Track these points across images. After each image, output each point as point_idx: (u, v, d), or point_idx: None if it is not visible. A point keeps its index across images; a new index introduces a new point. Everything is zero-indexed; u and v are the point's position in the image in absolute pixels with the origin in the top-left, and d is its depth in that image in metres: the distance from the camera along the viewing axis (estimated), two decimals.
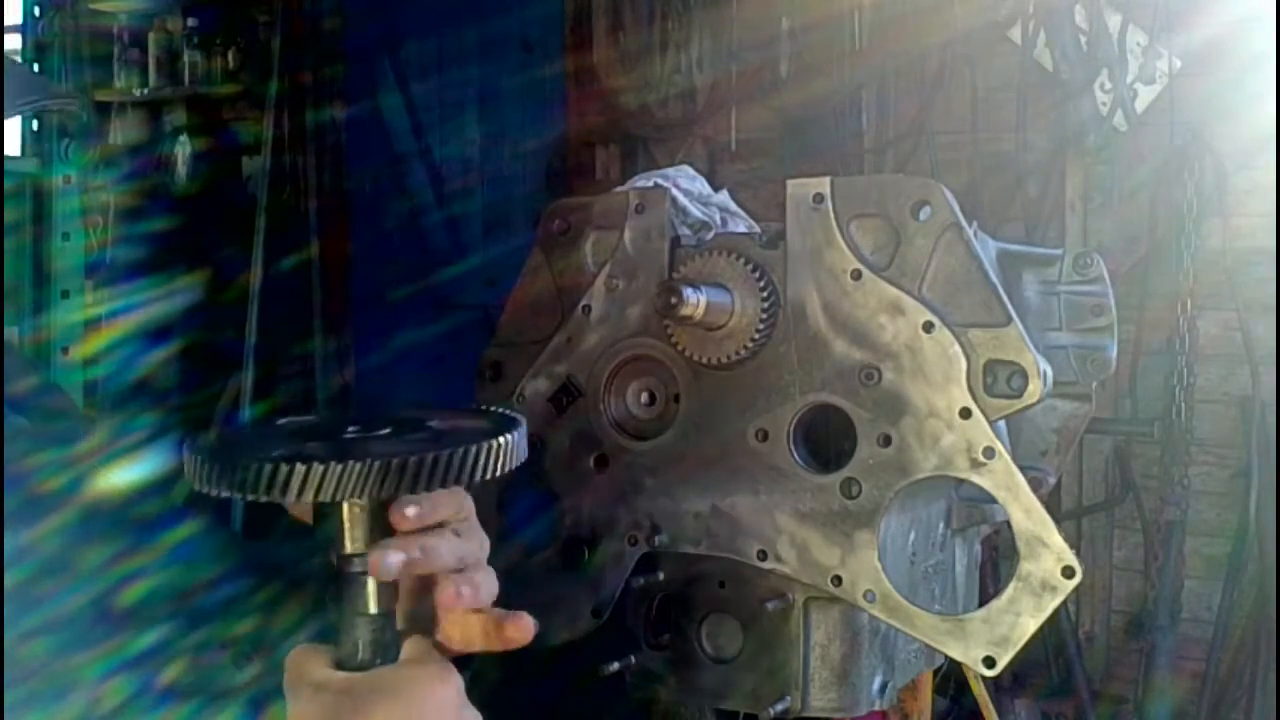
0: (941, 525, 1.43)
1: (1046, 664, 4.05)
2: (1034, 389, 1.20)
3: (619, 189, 1.42)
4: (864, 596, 1.23)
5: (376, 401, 5.35)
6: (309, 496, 0.89)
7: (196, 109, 5.81)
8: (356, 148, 5.62)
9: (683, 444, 1.32)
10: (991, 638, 1.20)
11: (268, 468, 0.89)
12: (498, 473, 0.94)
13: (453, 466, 0.91)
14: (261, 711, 1.16)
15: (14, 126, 3.61)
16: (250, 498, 0.90)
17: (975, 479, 1.20)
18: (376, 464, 0.89)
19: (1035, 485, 1.22)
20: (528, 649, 1.39)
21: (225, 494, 0.92)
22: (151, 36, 5.78)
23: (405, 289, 5.41)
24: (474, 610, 1.02)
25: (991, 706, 2.96)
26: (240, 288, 5.30)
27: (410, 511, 0.96)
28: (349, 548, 0.96)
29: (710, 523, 1.30)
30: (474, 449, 0.92)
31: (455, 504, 1.02)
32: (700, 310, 1.22)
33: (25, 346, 3.50)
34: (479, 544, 1.04)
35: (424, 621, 1.03)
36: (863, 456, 1.24)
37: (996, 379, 1.21)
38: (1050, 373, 1.24)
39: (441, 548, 1.00)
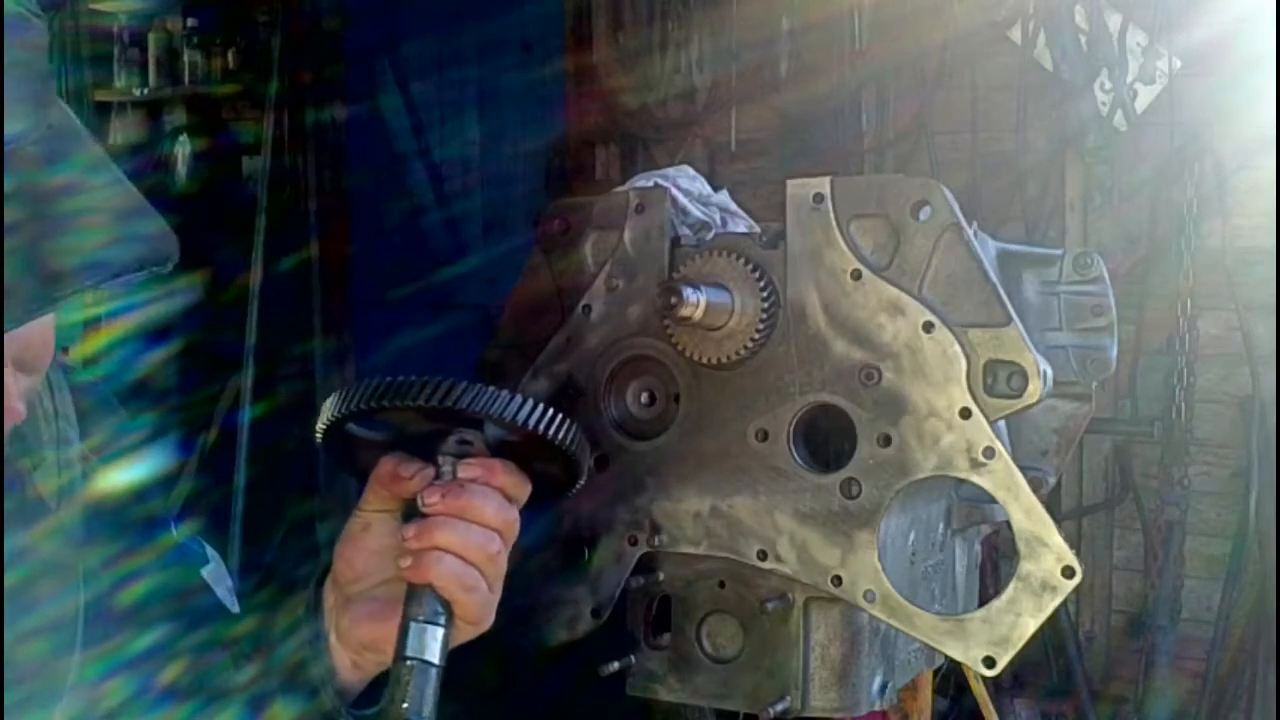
0: (941, 525, 1.43)
1: (1046, 664, 4.05)
2: (1034, 389, 1.20)
3: (619, 189, 1.42)
4: (864, 596, 1.23)
5: None
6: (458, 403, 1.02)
7: (196, 109, 5.82)
8: (356, 148, 5.62)
9: (683, 444, 1.32)
10: (991, 638, 1.20)
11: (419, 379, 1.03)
12: (571, 440, 1.08)
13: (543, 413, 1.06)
14: (261, 711, 1.16)
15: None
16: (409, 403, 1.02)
17: (975, 479, 1.20)
18: (495, 388, 1.03)
19: (1035, 485, 1.22)
20: (528, 649, 1.39)
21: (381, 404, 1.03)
22: (151, 36, 5.78)
23: (405, 289, 5.41)
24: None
25: (991, 706, 2.96)
26: (240, 288, 5.30)
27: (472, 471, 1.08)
28: None
29: (710, 523, 1.30)
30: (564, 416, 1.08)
31: (516, 481, 1.10)
32: (700, 310, 1.22)
33: None
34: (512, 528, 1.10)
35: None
36: (863, 456, 1.24)
37: (996, 379, 1.21)
38: (1050, 373, 1.24)
39: (490, 504, 1.07)
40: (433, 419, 1.06)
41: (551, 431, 1.05)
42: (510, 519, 1.09)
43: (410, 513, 1.09)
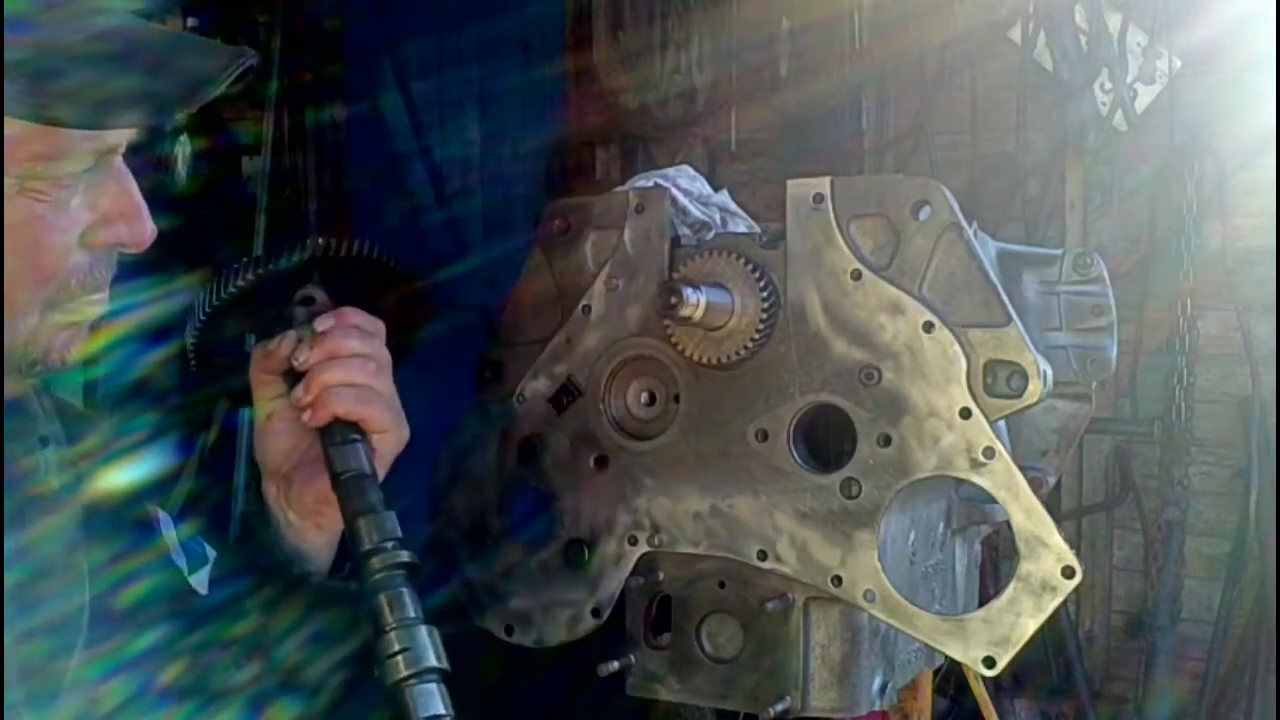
0: (941, 525, 1.43)
1: (1046, 664, 4.05)
2: (1034, 389, 1.20)
3: (619, 189, 1.42)
4: (864, 596, 1.23)
5: None
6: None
7: (196, 109, 5.80)
8: (356, 148, 5.62)
9: (683, 444, 1.32)
10: (991, 638, 1.20)
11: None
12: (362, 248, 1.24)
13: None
14: (261, 711, 1.16)
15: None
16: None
17: (975, 479, 1.20)
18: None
19: (1035, 485, 1.22)
20: (528, 649, 1.39)
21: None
22: None
23: None
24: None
25: (991, 706, 2.96)
26: None
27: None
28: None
29: (710, 523, 1.30)
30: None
31: (365, 318, 1.22)
32: (700, 310, 1.22)
33: None
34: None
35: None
36: (863, 456, 1.24)
37: (996, 379, 1.21)
38: (1050, 373, 1.24)
39: (352, 338, 1.20)
40: (263, 302, 1.21)
41: (346, 250, 1.22)
42: (376, 347, 1.22)
43: (293, 380, 1.21)
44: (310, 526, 1.26)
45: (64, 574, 1.09)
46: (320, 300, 1.24)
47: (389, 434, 1.22)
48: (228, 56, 1.03)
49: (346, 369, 1.19)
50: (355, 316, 1.23)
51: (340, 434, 1.19)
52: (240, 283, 1.19)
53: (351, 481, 1.16)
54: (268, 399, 1.25)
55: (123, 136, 1.05)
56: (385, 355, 1.23)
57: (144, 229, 1.07)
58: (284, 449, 1.26)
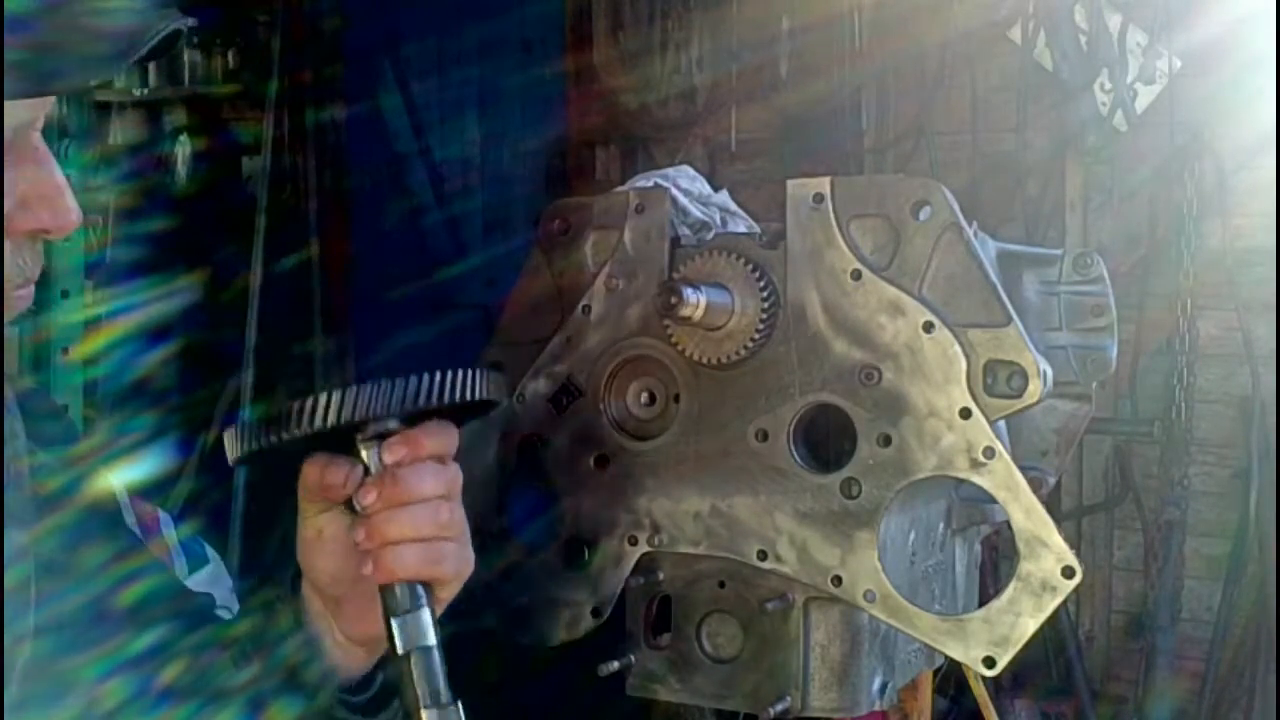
0: (941, 525, 1.44)
1: (1046, 664, 4.05)
2: (1034, 389, 1.20)
3: (619, 189, 1.42)
4: (864, 596, 1.23)
5: None
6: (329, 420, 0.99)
7: (196, 109, 5.80)
8: (356, 148, 5.61)
9: (683, 444, 1.32)
10: (991, 638, 1.20)
11: (292, 404, 1.00)
12: (469, 395, 1.04)
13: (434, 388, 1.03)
14: (261, 711, 1.16)
15: None
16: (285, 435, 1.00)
17: (975, 479, 1.21)
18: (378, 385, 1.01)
19: (1035, 485, 1.22)
20: (528, 649, 1.39)
21: (266, 442, 1.02)
22: None
23: (405, 289, 5.41)
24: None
25: (991, 706, 2.96)
26: (240, 288, 5.29)
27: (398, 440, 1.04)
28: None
29: (710, 523, 1.30)
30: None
31: (443, 441, 1.07)
32: (700, 310, 1.22)
33: (25, 346, 3.49)
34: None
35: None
36: (863, 456, 1.24)
37: (996, 379, 1.21)
38: (1050, 373, 1.24)
39: (426, 479, 1.04)
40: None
41: (436, 400, 1.04)
42: (451, 477, 1.07)
43: (354, 508, 1.07)
44: (360, 653, 1.16)
45: (63, 574, 1.08)
46: (394, 427, 1.06)
47: (457, 583, 1.09)
48: (155, 16, 0.92)
49: (415, 522, 1.04)
50: (430, 441, 1.05)
51: (403, 601, 1.05)
52: (313, 427, 1.01)
53: (417, 664, 1.04)
54: (317, 512, 1.11)
55: (37, 111, 0.95)
56: (458, 482, 1.08)
57: (68, 213, 0.96)
58: (334, 570, 1.12)
